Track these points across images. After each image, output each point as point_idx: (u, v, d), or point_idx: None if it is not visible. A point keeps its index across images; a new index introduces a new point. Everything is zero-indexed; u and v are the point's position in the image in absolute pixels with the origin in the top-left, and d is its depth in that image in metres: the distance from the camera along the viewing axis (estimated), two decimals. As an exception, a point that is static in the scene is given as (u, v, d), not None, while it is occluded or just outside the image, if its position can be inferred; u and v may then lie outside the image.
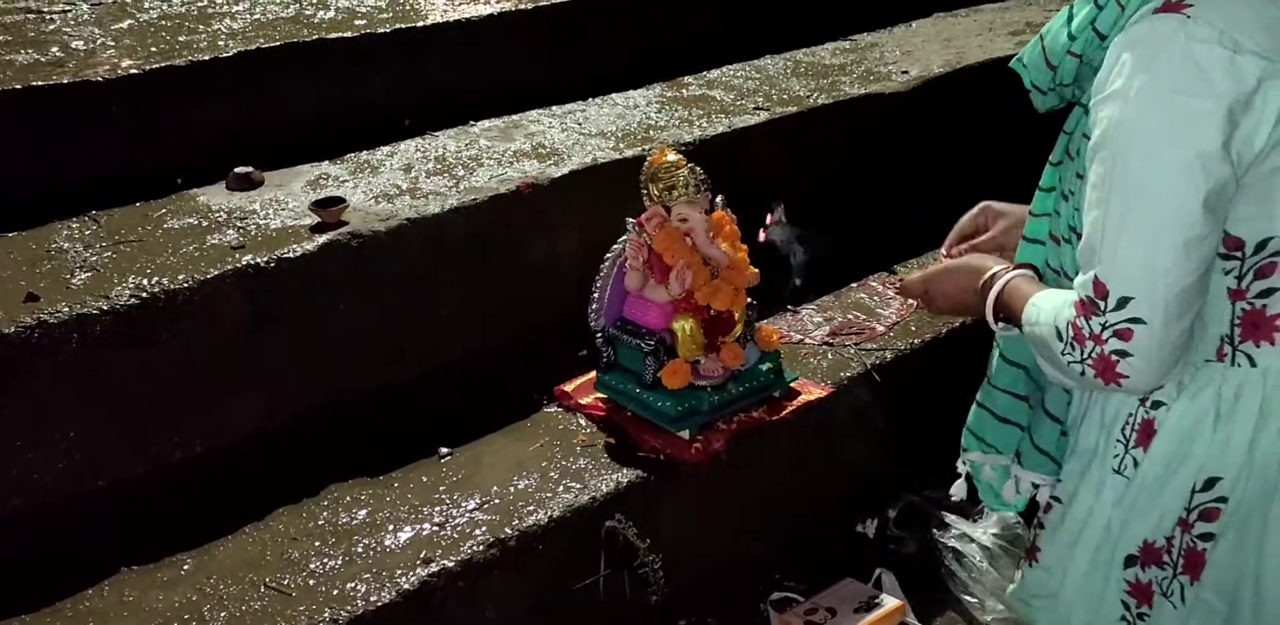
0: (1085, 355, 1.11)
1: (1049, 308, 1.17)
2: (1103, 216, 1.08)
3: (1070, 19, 1.17)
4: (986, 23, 3.45)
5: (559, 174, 2.33)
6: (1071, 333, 1.12)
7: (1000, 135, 2.98)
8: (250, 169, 2.36)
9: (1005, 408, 1.42)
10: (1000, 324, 1.30)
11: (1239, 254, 1.09)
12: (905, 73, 2.96)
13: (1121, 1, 1.09)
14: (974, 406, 1.48)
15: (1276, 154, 1.03)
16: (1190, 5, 1.03)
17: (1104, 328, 1.08)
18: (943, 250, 1.53)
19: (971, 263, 1.36)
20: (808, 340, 2.29)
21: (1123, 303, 1.07)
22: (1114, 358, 1.09)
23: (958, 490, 1.54)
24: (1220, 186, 1.03)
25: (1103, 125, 1.07)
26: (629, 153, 2.42)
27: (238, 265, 1.98)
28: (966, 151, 2.95)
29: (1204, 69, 1.01)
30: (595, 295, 2.01)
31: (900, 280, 1.50)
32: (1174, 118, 1.03)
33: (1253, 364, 1.13)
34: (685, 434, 1.98)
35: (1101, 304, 1.08)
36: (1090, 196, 1.10)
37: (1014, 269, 1.29)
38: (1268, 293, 1.10)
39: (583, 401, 2.10)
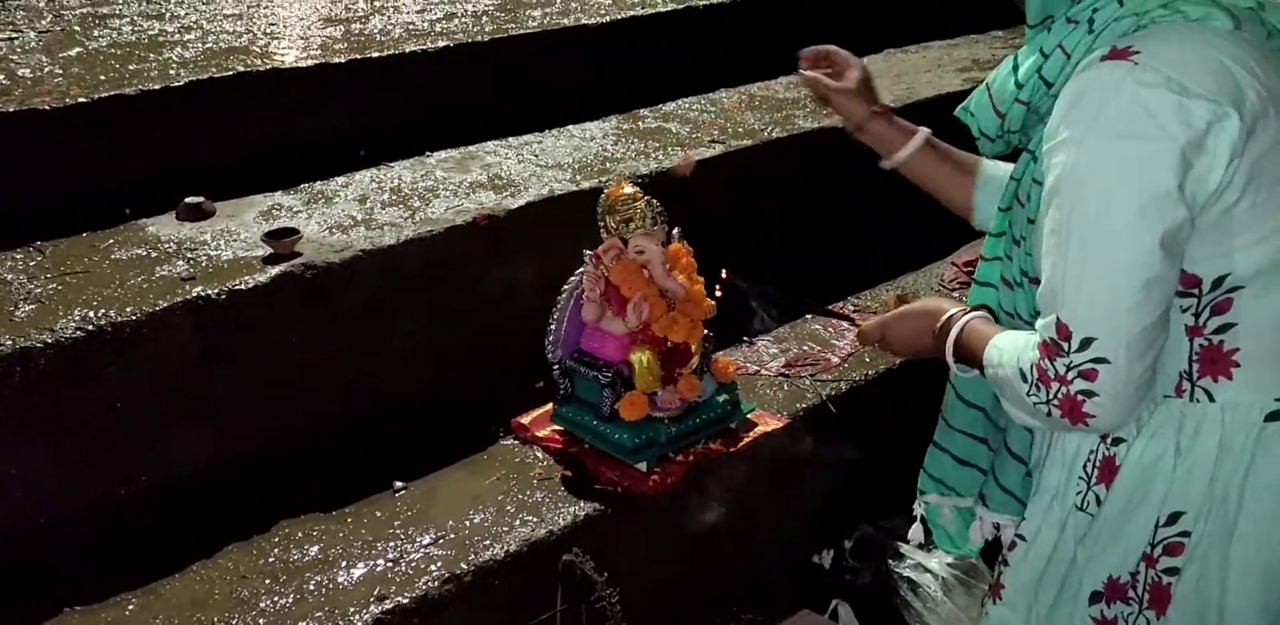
0: (1051, 396, 1.12)
1: (1011, 349, 1.18)
2: (1063, 260, 1.09)
3: (1016, 68, 1.19)
4: (935, 59, 3.51)
5: (515, 206, 2.32)
6: (1036, 374, 1.13)
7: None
8: (201, 199, 2.34)
9: (964, 450, 1.43)
10: (959, 365, 1.31)
11: (1195, 291, 1.11)
12: (857, 106, 2.99)
13: (1067, 50, 1.11)
14: (931, 448, 1.48)
15: (1229, 194, 1.06)
16: (1136, 52, 1.05)
17: (1069, 368, 1.10)
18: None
19: (927, 306, 1.38)
20: (764, 371, 2.30)
21: (1086, 343, 1.08)
22: (1080, 398, 1.10)
23: (915, 534, 1.54)
24: (1176, 227, 1.05)
25: (1056, 171, 1.09)
26: (586, 185, 2.43)
27: (188, 297, 1.95)
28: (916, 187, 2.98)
29: (1154, 113, 1.02)
30: (552, 327, 2.00)
31: (859, 328, 1.51)
32: (1127, 162, 1.04)
33: (1211, 399, 1.15)
34: (643, 466, 1.97)
35: (1065, 345, 1.09)
36: (1048, 242, 1.11)
37: (970, 311, 1.30)
38: (1224, 328, 1.12)
39: (540, 434, 2.09)
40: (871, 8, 3.85)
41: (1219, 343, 1.13)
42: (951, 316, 1.30)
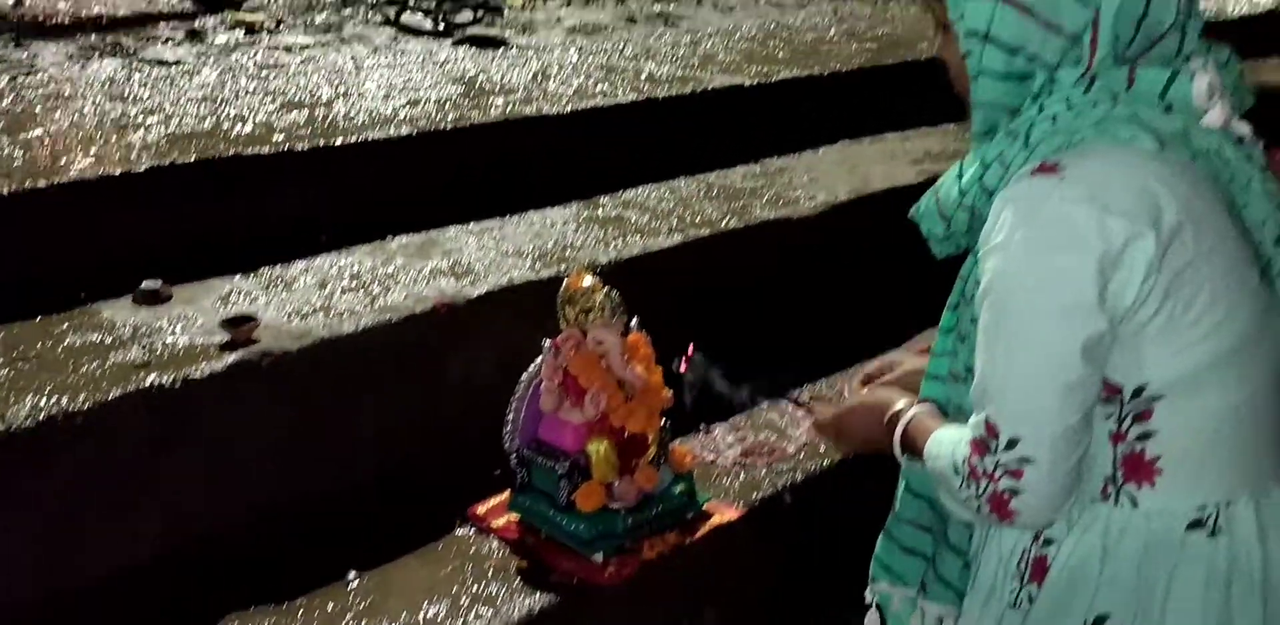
0: (980, 492, 1.15)
1: (948, 443, 1.21)
2: (991, 360, 1.14)
3: (960, 175, 1.25)
4: (889, 151, 3.61)
5: (475, 294, 2.34)
6: (967, 470, 1.16)
7: (902, 260, 3.09)
8: (159, 283, 2.33)
9: (911, 539, 1.44)
10: (905, 456, 1.33)
11: (1117, 399, 1.15)
12: (813, 198, 3.07)
13: (1005, 162, 1.17)
14: (882, 536, 1.49)
15: (1146, 308, 1.10)
16: (1063, 169, 1.11)
17: (996, 466, 1.13)
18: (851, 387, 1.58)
19: (879, 398, 1.41)
20: (720, 460, 2.30)
21: (1012, 443, 1.12)
22: (1006, 495, 1.13)
23: (870, 622, 1.54)
24: (1097, 336, 1.10)
25: (988, 276, 1.14)
26: (545, 273, 2.45)
27: (141, 385, 1.93)
28: (871, 275, 3.04)
29: (1075, 227, 1.08)
30: (510, 416, 2.00)
31: (814, 418, 1.54)
32: (1049, 271, 1.10)
33: (1135, 505, 1.18)
34: (598, 557, 1.96)
35: (993, 444, 1.13)
36: (979, 341, 1.16)
37: (917, 404, 1.34)
38: (1145, 436, 1.15)
39: (496, 523, 2.07)
40: (828, 100, 3.97)
41: (1140, 450, 1.16)
42: (899, 410, 1.34)
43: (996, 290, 1.13)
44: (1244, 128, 1.18)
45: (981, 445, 1.14)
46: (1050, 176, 1.10)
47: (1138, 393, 1.14)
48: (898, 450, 1.33)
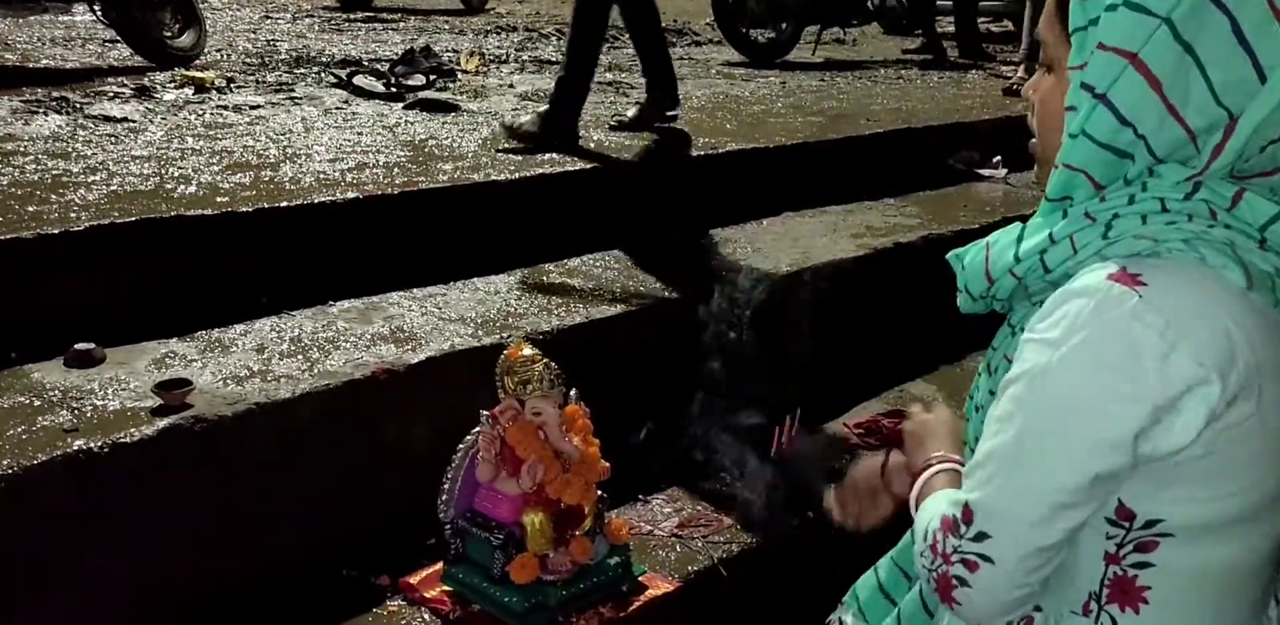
0: (934, 566, 1.14)
1: (934, 507, 1.19)
2: (993, 452, 1.10)
3: (1020, 239, 1.16)
4: (831, 224, 3.67)
5: (416, 360, 2.33)
6: (931, 541, 1.15)
7: (841, 332, 3.13)
8: (92, 346, 2.29)
9: (891, 582, 1.44)
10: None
11: (1126, 524, 1.10)
12: (755, 269, 3.11)
13: (1076, 246, 1.09)
14: (872, 568, 1.49)
15: (1191, 450, 1.04)
16: (1144, 285, 1.01)
17: (955, 551, 1.11)
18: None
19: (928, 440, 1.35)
20: (657, 531, 2.30)
21: (980, 536, 1.09)
22: (954, 582, 1.11)
23: None
24: (1113, 472, 1.05)
25: (1026, 365, 1.07)
26: (487, 340, 2.45)
27: (68, 450, 1.89)
28: (809, 346, 3.08)
29: (1139, 356, 1.00)
30: (446, 486, 2.00)
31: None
32: (1093, 392, 1.03)
33: None
34: (532, 632, 1.94)
35: (963, 529, 1.11)
36: (991, 426, 1.11)
37: (945, 462, 1.29)
38: (1142, 565, 1.12)
39: (428, 594, 2.05)
40: (772, 172, 4.04)
41: (1133, 577, 1.12)
42: (929, 461, 1.30)
43: (1028, 387, 1.06)
44: None
45: (953, 525, 1.12)
46: (1129, 288, 1.01)
47: (1149, 524, 1.09)
48: (913, 504, 1.30)
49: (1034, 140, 1.23)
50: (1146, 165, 1.06)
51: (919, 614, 1.38)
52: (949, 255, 1.30)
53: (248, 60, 5.81)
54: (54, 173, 3.12)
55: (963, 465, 1.26)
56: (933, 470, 1.29)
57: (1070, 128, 1.09)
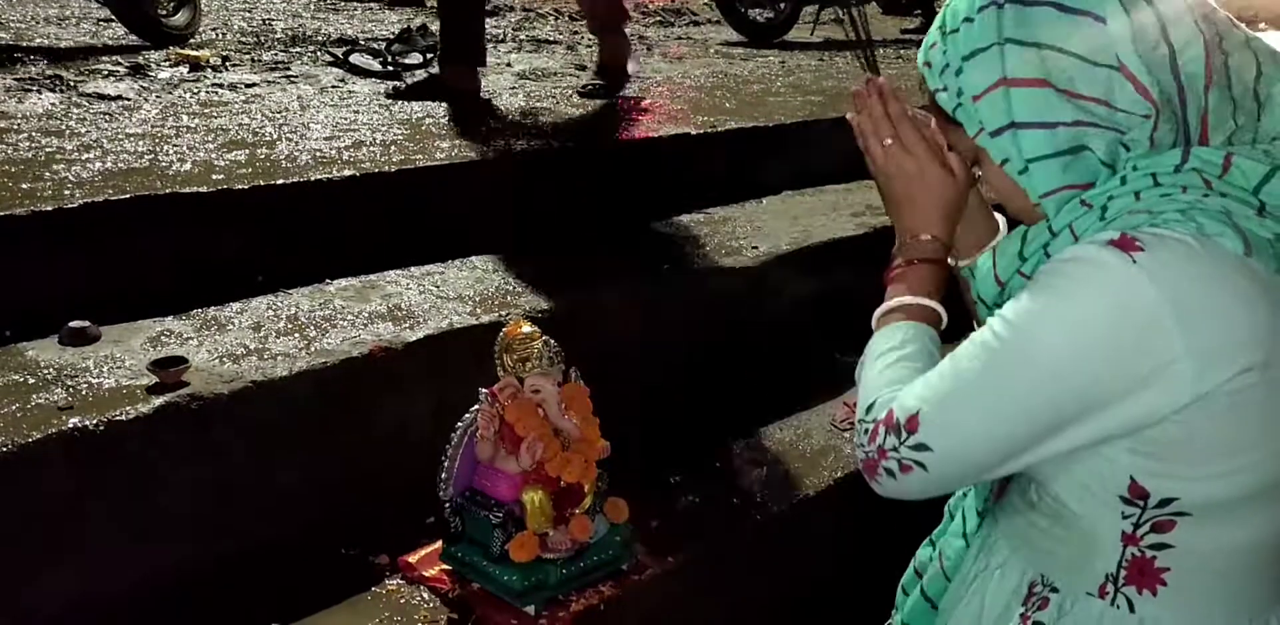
0: (867, 449, 1.15)
1: (880, 381, 1.18)
2: (959, 373, 1.10)
3: (1025, 239, 1.17)
4: (831, 203, 3.65)
5: (413, 338, 2.31)
6: (870, 427, 1.15)
7: (839, 310, 3.11)
8: (86, 323, 2.27)
9: (909, 577, 1.46)
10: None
11: (1141, 503, 1.10)
12: (755, 248, 3.09)
13: (1076, 232, 1.10)
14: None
15: (1177, 426, 1.04)
16: (1141, 250, 1.02)
17: (892, 450, 1.12)
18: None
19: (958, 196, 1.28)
20: (656, 510, 2.28)
21: (920, 447, 1.10)
22: (882, 472, 1.14)
23: None
24: (1074, 420, 1.05)
25: (1016, 305, 1.08)
26: (486, 319, 2.43)
27: (63, 428, 1.87)
28: (809, 325, 3.06)
29: (1124, 322, 1.01)
30: (445, 464, 1.98)
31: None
32: (1076, 352, 1.03)
33: (1131, 610, 1.14)
34: (531, 609, 1.93)
35: (904, 435, 1.11)
36: (966, 347, 1.11)
37: (930, 251, 1.26)
38: (1160, 546, 1.11)
39: (427, 573, 2.04)
40: (772, 151, 4.01)
41: (1151, 558, 1.12)
42: (919, 237, 1.28)
43: (1019, 325, 1.06)
44: None
45: (895, 427, 1.12)
46: (1125, 252, 1.02)
47: (1164, 503, 1.09)
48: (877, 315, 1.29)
49: (1010, 211, 1.23)
50: (1109, 142, 1.08)
51: (923, 610, 1.38)
52: (960, 270, 1.31)
53: (243, 39, 5.76)
54: (47, 150, 3.09)
55: (945, 259, 1.26)
56: (912, 261, 1.27)
57: (1017, 169, 1.12)
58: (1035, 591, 1.20)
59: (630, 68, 4.61)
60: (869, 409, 1.16)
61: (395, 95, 4.18)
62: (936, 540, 1.42)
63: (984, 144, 1.13)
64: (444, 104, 4.07)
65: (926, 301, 1.25)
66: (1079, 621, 1.17)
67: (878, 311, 1.29)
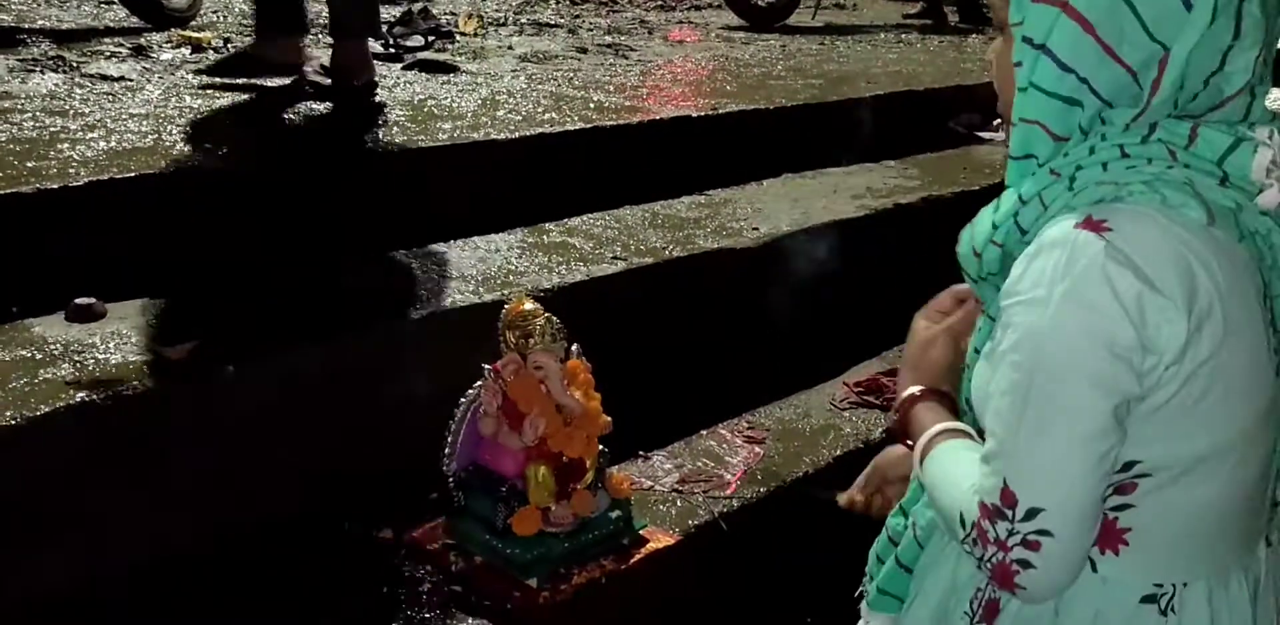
0: (987, 558, 1.09)
1: (956, 488, 1.16)
2: (1015, 424, 1.07)
3: (996, 209, 1.17)
4: (831, 185, 3.67)
5: (417, 316, 2.33)
6: (976, 533, 1.10)
7: (840, 293, 3.14)
8: (93, 300, 2.29)
9: (882, 545, 1.42)
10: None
11: None
12: (756, 229, 3.11)
13: (1045, 202, 1.10)
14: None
15: (1160, 393, 1.05)
16: (1109, 230, 1.03)
17: (1010, 535, 1.07)
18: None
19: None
20: (657, 487, 2.31)
21: (1032, 513, 1.05)
22: (1015, 568, 1.07)
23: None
24: (1125, 400, 1.05)
25: (1017, 334, 1.07)
26: (488, 297, 2.45)
27: (71, 403, 1.89)
28: (809, 306, 3.08)
29: (1119, 296, 1.02)
30: (448, 439, 2.00)
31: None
32: (1091, 333, 1.03)
33: (1094, 569, 1.15)
34: (534, 582, 1.95)
35: (1009, 512, 1.07)
36: (999, 402, 1.09)
37: (946, 427, 1.24)
38: (1121, 507, 1.12)
39: (431, 548, 2.07)
40: (773, 134, 4.02)
41: (1113, 519, 1.12)
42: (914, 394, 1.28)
43: (1028, 349, 1.05)
44: None
45: (995, 512, 1.07)
46: (1095, 234, 1.03)
47: (1128, 467, 1.09)
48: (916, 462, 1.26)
49: (999, 101, 1.23)
50: (1096, 110, 1.08)
51: (897, 575, 1.37)
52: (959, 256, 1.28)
53: (244, 21, 5.74)
54: (51, 130, 3.10)
55: (949, 401, 1.26)
56: (920, 404, 1.26)
57: (1019, 82, 1.11)
58: None
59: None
60: (963, 524, 1.12)
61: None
62: (908, 509, 1.43)
63: (1014, 31, 1.11)
64: (445, 86, 4.07)
65: (957, 425, 1.25)
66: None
67: (918, 448, 1.25)
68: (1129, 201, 1.05)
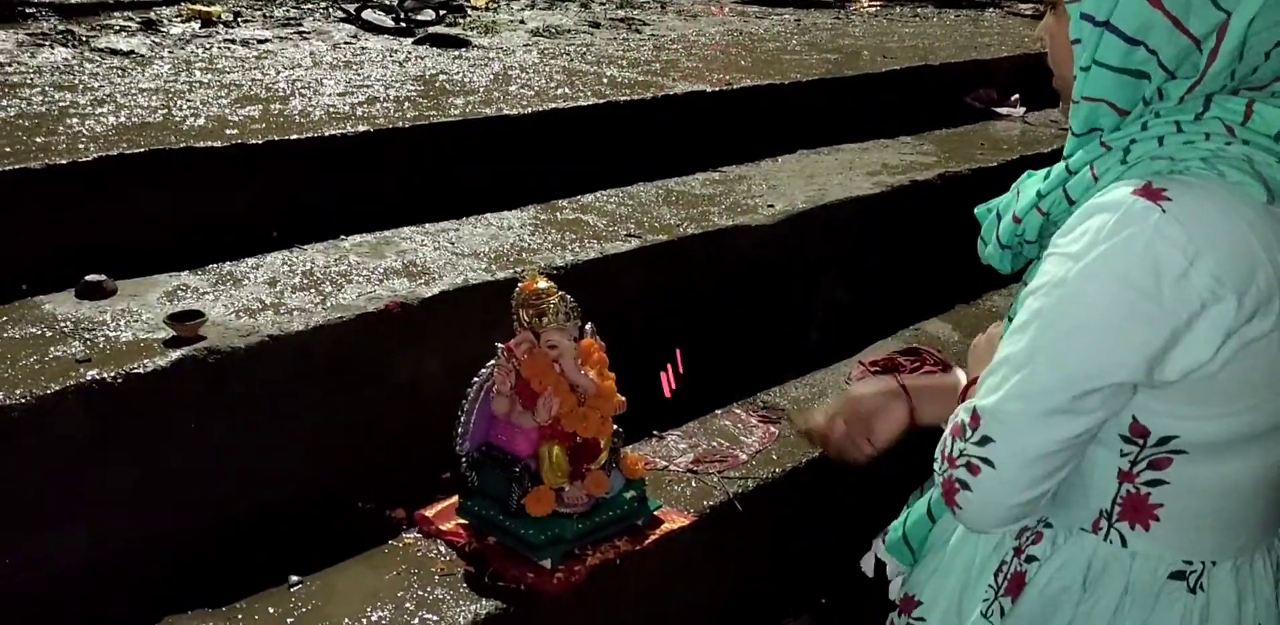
0: (941, 470, 1.14)
1: (952, 419, 1.19)
2: (1006, 358, 1.09)
3: (1046, 178, 1.16)
4: (847, 162, 3.62)
5: (429, 294, 2.31)
6: (942, 446, 1.15)
7: (856, 270, 3.10)
8: (103, 277, 2.28)
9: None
10: None
11: (1140, 442, 1.10)
12: (771, 206, 3.07)
13: (1096, 173, 1.09)
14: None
15: (1208, 367, 1.03)
16: (1168, 199, 1.00)
17: (960, 454, 1.11)
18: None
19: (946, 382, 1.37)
20: (672, 467, 2.29)
21: (984, 441, 1.09)
22: (956, 485, 1.12)
23: (866, 565, 1.52)
24: (1122, 385, 1.05)
25: (1046, 278, 1.06)
26: (501, 275, 2.43)
27: (81, 380, 1.88)
28: (824, 284, 3.05)
29: (1160, 273, 1.00)
30: (461, 419, 1.98)
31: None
32: (1111, 308, 1.02)
33: (1124, 544, 1.16)
34: (547, 563, 1.94)
35: (968, 433, 1.10)
36: (1008, 336, 1.11)
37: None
38: (1155, 483, 1.12)
39: (444, 527, 2.05)
40: (787, 109, 3.98)
41: (1146, 494, 1.13)
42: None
43: (1050, 300, 1.05)
44: None
45: (960, 430, 1.12)
46: (1152, 203, 1.00)
47: (1163, 441, 1.09)
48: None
49: (1055, 77, 1.21)
50: (1161, 82, 1.06)
51: (922, 521, 1.38)
52: (977, 210, 1.29)
53: (254, -5, 5.71)
54: (61, 104, 3.08)
55: None
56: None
57: (1080, 61, 1.09)
58: (1029, 526, 1.22)
59: None
60: (941, 441, 1.15)
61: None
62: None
63: (1070, 9, 1.09)
64: (457, 60, 4.03)
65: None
66: (1072, 555, 1.19)
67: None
68: (1188, 175, 1.03)
